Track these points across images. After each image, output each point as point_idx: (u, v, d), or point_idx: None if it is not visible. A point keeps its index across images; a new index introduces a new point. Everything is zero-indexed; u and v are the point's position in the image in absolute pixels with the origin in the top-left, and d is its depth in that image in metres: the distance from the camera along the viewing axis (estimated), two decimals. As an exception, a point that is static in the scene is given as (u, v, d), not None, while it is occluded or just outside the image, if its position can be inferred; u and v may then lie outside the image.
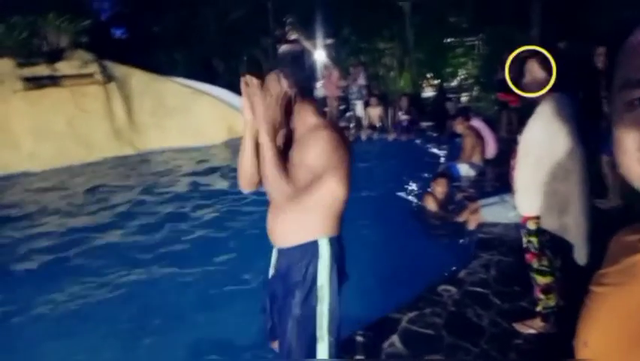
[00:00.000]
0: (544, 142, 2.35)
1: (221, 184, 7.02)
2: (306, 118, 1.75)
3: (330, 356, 1.69)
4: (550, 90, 2.38)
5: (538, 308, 2.65)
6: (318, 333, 1.71)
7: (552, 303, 2.59)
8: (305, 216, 1.71)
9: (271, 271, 1.92)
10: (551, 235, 2.46)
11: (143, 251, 4.42)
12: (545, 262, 2.52)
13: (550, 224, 2.41)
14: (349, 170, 1.70)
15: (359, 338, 2.70)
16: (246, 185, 1.85)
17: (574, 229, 2.35)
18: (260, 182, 1.82)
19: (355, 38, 13.25)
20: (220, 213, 5.56)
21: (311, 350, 1.70)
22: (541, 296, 2.60)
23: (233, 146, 9.78)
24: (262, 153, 1.65)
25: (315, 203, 1.67)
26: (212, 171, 7.88)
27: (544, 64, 2.39)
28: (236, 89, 10.81)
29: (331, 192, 1.66)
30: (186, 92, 10.40)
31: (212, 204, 5.92)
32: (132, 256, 4.33)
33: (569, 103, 2.38)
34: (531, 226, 2.51)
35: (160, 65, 11.02)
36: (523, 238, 2.59)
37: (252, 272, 3.64)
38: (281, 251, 1.83)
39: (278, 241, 1.83)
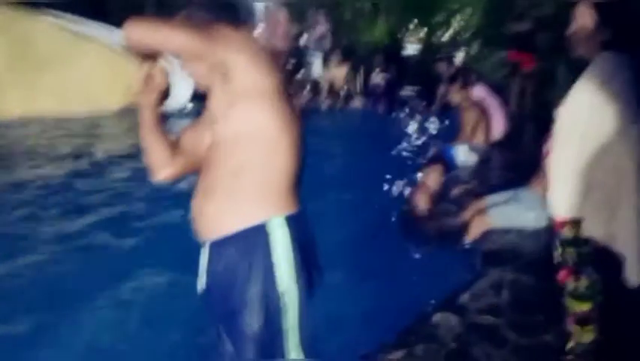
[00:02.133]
0: (591, 119, 2.39)
1: (115, 174, 6.73)
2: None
3: None
4: (603, 47, 2.42)
5: (570, 345, 2.73)
6: (292, 355, 1.71)
7: (589, 338, 2.67)
8: (239, 185, 1.72)
9: (201, 282, 1.87)
10: (594, 246, 2.52)
11: None
12: (584, 283, 2.59)
13: (594, 230, 2.47)
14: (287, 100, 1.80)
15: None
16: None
17: (625, 238, 2.42)
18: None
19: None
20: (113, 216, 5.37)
21: None
22: (576, 329, 2.67)
23: (134, 116, 9.50)
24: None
25: (244, 149, 1.74)
26: (105, 154, 7.55)
27: (600, 9, 2.43)
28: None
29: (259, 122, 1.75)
30: (67, 36, 10.05)
31: (96, 204, 5.69)
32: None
33: (626, 66, 2.43)
34: (568, 233, 2.56)
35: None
36: (555, 250, 2.65)
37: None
38: (214, 247, 1.78)
39: (207, 230, 1.79)
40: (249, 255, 1.69)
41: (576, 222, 2.51)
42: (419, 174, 5.24)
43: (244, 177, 1.71)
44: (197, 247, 1.90)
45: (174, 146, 2.01)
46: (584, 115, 2.41)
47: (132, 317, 3.52)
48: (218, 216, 1.75)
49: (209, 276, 1.82)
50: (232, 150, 1.72)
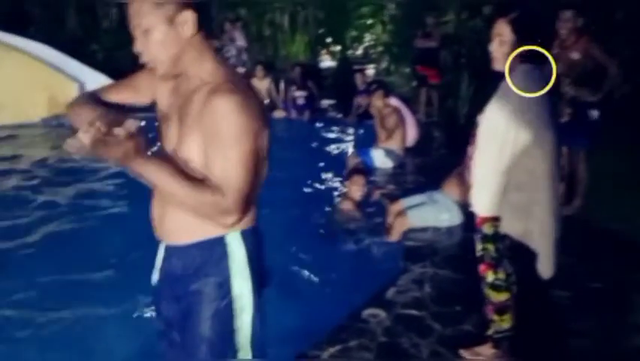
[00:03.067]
0: (509, 126, 2.44)
1: (42, 196, 6.22)
2: (201, 65, 1.60)
3: None
4: (518, 61, 2.48)
5: (490, 332, 2.80)
6: (241, 354, 1.68)
7: (506, 325, 2.74)
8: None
9: (155, 277, 1.81)
10: (511, 241, 2.59)
11: None
12: (502, 275, 2.66)
13: (511, 228, 2.54)
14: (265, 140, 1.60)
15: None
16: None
17: (539, 234, 2.50)
18: None
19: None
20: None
21: None
22: (494, 317, 2.74)
23: (56, 127, 8.99)
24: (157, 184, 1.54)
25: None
26: (24, 171, 6.86)
27: (515, 25, 2.48)
28: (58, 44, 10.06)
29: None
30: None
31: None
32: None
33: (539, 77, 2.52)
34: (488, 229, 2.62)
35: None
36: (477, 245, 2.71)
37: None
38: (172, 250, 1.72)
39: (168, 236, 1.71)
40: (207, 261, 1.65)
41: (495, 220, 2.58)
42: (345, 184, 5.25)
43: None
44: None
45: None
46: (502, 122, 2.46)
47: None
48: (179, 225, 1.66)
49: (165, 272, 1.77)
50: (192, 158, 1.58)
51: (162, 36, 1.51)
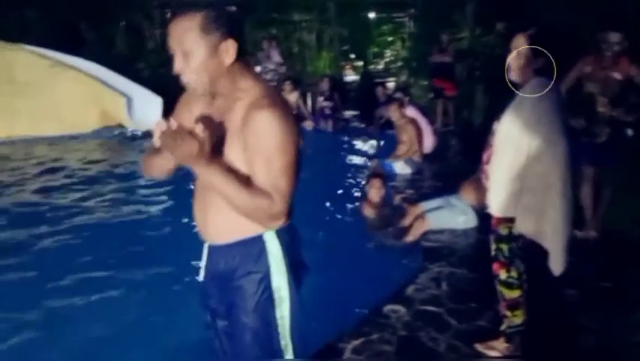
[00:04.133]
0: (525, 133, 2.44)
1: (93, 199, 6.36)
2: (239, 83, 1.60)
3: None
4: (534, 74, 2.51)
5: (503, 327, 2.76)
6: (283, 342, 1.71)
7: (519, 321, 2.70)
8: None
9: (201, 274, 1.86)
10: (523, 242, 2.57)
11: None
12: (514, 273, 2.63)
13: (525, 228, 2.52)
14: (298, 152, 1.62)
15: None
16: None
17: (551, 235, 2.47)
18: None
19: (264, 6, 13.19)
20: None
21: None
22: (507, 313, 2.71)
23: (108, 138, 9.18)
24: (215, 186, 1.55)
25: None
26: (80, 174, 7.07)
27: (532, 40, 2.49)
28: (109, 62, 10.26)
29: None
30: (43, 65, 9.60)
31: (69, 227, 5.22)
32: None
33: (553, 90, 2.52)
34: (503, 230, 2.60)
35: (6, 28, 10.07)
36: (491, 245, 2.68)
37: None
38: (215, 248, 1.76)
39: (211, 236, 1.75)
40: (247, 258, 1.68)
41: (510, 221, 2.56)
42: (365, 187, 5.22)
43: None
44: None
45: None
46: (517, 130, 2.46)
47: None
48: (220, 226, 1.69)
49: (209, 271, 1.81)
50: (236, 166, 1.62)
51: (204, 61, 1.52)
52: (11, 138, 9.01)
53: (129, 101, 9.43)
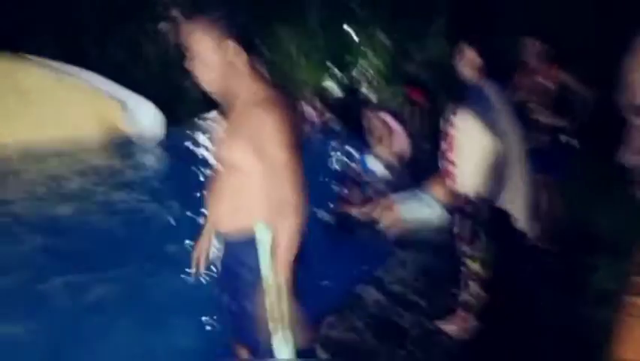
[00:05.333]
0: (484, 121, 2.57)
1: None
2: (245, 83, 1.64)
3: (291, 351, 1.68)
4: (483, 76, 2.70)
5: (462, 298, 2.82)
6: (272, 325, 1.69)
7: (476, 293, 2.77)
8: (244, 198, 1.69)
9: (212, 253, 1.97)
10: (486, 220, 2.67)
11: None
12: (477, 247, 2.72)
13: (490, 194, 2.64)
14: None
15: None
16: None
17: (515, 200, 2.67)
18: None
19: (246, 19, 13.16)
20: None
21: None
22: (469, 283, 2.77)
23: (111, 145, 9.03)
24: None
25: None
26: (81, 183, 6.75)
27: (479, 49, 2.68)
28: (110, 74, 10.15)
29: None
30: (48, 75, 9.47)
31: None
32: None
33: (500, 89, 2.67)
34: (469, 208, 2.69)
35: (14, 41, 9.91)
36: (456, 223, 2.78)
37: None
38: (221, 240, 1.86)
39: (221, 228, 1.81)
40: (244, 249, 1.70)
41: (476, 198, 2.65)
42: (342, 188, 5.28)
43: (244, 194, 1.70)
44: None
45: None
46: (478, 118, 2.58)
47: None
48: (230, 221, 1.74)
49: (222, 262, 1.89)
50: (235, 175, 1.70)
51: (209, 60, 1.57)
52: (15, 142, 8.87)
53: (123, 105, 9.36)
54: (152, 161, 8.50)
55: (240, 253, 1.74)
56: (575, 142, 3.80)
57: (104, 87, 9.72)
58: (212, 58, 1.57)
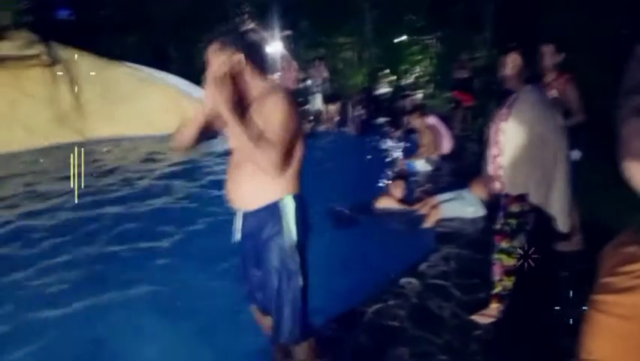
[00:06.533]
0: (533, 124, 2.50)
1: (175, 182, 6.68)
2: (257, 85, 1.89)
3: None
4: (525, 82, 2.60)
5: (496, 290, 2.76)
6: (301, 282, 1.89)
7: (511, 285, 2.72)
8: (265, 177, 1.80)
9: (237, 235, 2.00)
10: (530, 219, 2.61)
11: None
12: (516, 244, 2.65)
13: (537, 199, 2.57)
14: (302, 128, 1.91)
15: (324, 330, 2.71)
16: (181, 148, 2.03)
17: (558, 201, 2.57)
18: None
19: (313, 31, 13.25)
20: (174, 205, 5.37)
21: (299, 298, 1.88)
22: (503, 277, 2.71)
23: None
24: (233, 131, 1.77)
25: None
26: (166, 166, 7.41)
27: (524, 57, 2.60)
28: (190, 77, 10.58)
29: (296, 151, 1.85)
30: (137, 79, 9.98)
31: (161, 197, 5.69)
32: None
33: (542, 92, 2.68)
34: (514, 208, 2.62)
35: (110, 49, 10.52)
36: (498, 221, 2.70)
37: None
38: (247, 214, 1.92)
39: (243, 204, 1.91)
40: (273, 217, 1.85)
41: (521, 200, 2.59)
42: (388, 185, 5.23)
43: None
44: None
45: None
46: (526, 124, 2.52)
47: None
48: (251, 196, 1.86)
49: (243, 232, 1.96)
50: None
51: (223, 68, 1.81)
52: (110, 136, 9.44)
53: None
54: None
55: (267, 220, 1.85)
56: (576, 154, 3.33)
57: (184, 88, 10.12)
58: (223, 67, 1.80)
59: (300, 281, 1.87)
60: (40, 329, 2.98)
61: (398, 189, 4.98)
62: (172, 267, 3.72)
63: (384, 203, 4.96)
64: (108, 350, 2.76)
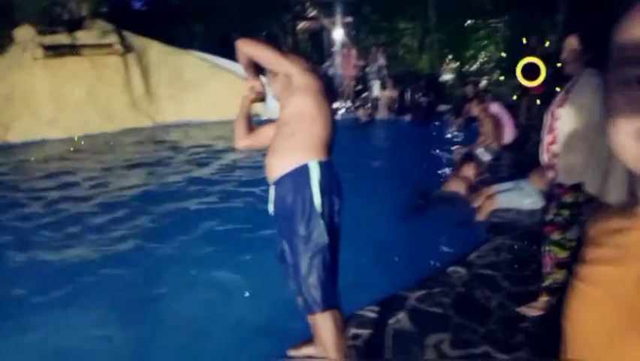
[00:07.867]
0: (591, 109, 2.38)
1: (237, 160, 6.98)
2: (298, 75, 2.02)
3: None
4: (585, 66, 2.46)
5: (547, 283, 2.67)
6: (321, 239, 1.94)
7: (562, 278, 2.61)
8: (292, 143, 1.94)
9: (270, 208, 2.09)
10: (585, 210, 2.49)
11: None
12: (569, 236, 2.54)
13: (593, 188, 2.44)
14: (323, 94, 2.02)
15: (367, 313, 2.75)
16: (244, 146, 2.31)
17: (615, 192, 2.39)
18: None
19: (376, 17, 13.06)
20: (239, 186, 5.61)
21: (322, 266, 1.92)
22: (554, 270, 2.61)
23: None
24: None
25: (296, 122, 1.95)
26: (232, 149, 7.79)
27: (582, 40, 2.46)
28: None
29: (306, 105, 1.96)
30: (204, 66, 10.40)
31: (232, 177, 5.96)
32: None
33: (603, 77, 2.42)
34: (568, 198, 2.52)
35: (178, 38, 11.00)
36: (550, 211, 2.61)
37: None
38: (276, 184, 2.02)
39: (272, 174, 2.02)
40: (297, 183, 1.93)
41: (576, 190, 2.48)
42: (460, 168, 5.14)
43: (295, 138, 1.96)
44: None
45: (252, 129, 2.34)
46: (583, 110, 2.40)
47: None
48: (279, 164, 1.98)
49: (275, 202, 2.05)
50: (288, 123, 1.99)
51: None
52: (178, 121, 9.93)
53: (265, 95, 9.91)
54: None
55: (292, 187, 1.93)
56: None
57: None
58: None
59: (325, 248, 1.91)
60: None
61: (470, 170, 4.90)
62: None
63: (453, 186, 4.89)
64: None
